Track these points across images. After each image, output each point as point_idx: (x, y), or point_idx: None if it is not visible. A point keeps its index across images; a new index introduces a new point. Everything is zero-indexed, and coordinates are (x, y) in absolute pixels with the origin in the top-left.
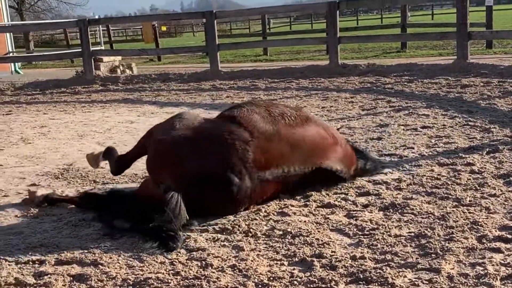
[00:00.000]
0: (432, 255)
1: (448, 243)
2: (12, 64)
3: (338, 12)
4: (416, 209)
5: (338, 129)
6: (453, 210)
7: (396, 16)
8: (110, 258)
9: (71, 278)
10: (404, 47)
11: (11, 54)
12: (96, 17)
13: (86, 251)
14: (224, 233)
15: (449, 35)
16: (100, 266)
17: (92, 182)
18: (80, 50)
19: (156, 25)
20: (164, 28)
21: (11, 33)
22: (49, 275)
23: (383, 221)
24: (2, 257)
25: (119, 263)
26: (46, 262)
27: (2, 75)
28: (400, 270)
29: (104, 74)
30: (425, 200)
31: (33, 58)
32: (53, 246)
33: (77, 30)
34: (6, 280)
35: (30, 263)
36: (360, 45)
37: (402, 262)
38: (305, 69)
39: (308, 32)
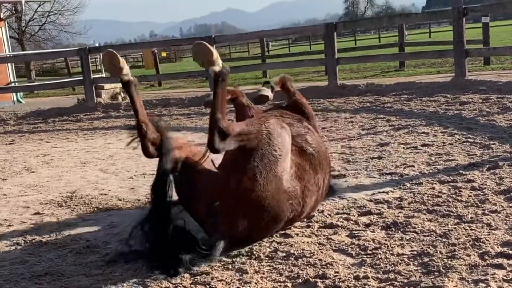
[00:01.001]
0: (435, 273)
1: (451, 260)
2: (14, 93)
3: (335, 33)
4: (418, 227)
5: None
6: (454, 227)
7: (394, 35)
8: (115, 285)
9: None
10: (403, 66)
11: (12, 84)
12: (97, 44)
13: (91, 279)
14: (228, 256)
15: (447, 53)
16: None
17: (96, 209)
18: (81, 78)
19: (156, 51)
20: (164, 54)
21: (13, 63)
22: None
23: (386, 240)
24: (7, 287)
25: None
26: None
27: (4, 105)
28: None
29: (105, 101)
30: (426, 218)
31: (35, 88)
32: (58, 275)
33: (78, 59)
34: None
35: None
36: (359, 65)
37: (406, 281)
38: (304, 90)
39: (306, 53)
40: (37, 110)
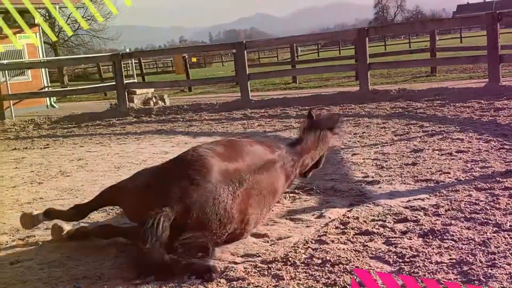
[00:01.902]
0: (475, 282)
1: (491, 269)
2: (48, 98)
3: (367, 39)
4: (456, 235)
5: None
6: (494, 236)
7: (424, 40)
8: None
9: None
10: (434, 71)
11: (46, 89)
12: (127, 50)
13: (128, 283)
14: (263, 262)
15: (481, 59)
16: None
17: None
18: (113, 83)
19: (186, 56)
20: (194, 59)
21: (47, 68)
22: None
23: (423, 247)
24: None
25: None
26: None
27: (38, 109)
28: None
29: (137, 106)
30: (464, 226)
31: (68, 93)
32: (96, 278)
33: (110, 64)
34: None
35: None
36: (389, 70)
37: None
38: (335, 96)
39: (336, 58)
40: (70, 115)
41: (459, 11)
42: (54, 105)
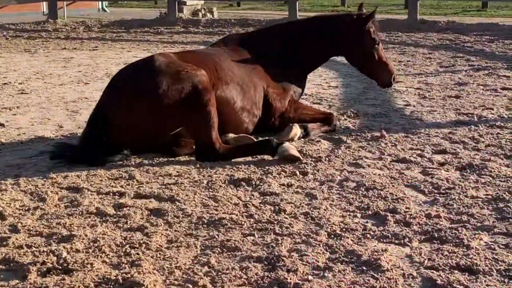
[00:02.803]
0: (510, 219)
1: None
2: (100, 1)
3: None
4: (494, 171)
5: None
6: None
7: None
8: (187, 195)
9: (149, 212)
10: (485, 6)
11: None
12: None
13: (163, 186)
14: (298, 179)
15: None
16: (176, 202)
17: None
18: None
19: None
20: None
21: None
22: (128, 208)
23: (460, 181)
24: (85, 186)
25: (195, 201)
26: (126, 195)
27: (90, 12)
28: (476, 232)
29: (186, 16)
30: (503, 163)
31: None
32: (133, 179)
33: None
34: (87, 209)
35: (111, 194)
36: (440, 1)
37: (479, 224)
38: (383, 23)
39: None
40: (121, 20)
41: None
42: (106, 9)
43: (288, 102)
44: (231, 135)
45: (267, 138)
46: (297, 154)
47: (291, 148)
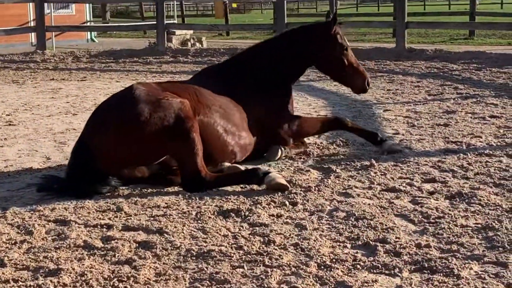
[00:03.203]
0: (500, 248)
1: None
2: (88, 32)
3: None
4: (483, 199)
5: None
6: None
7: (464, 3)
8: (175, 227)
9: (137, 245)
10: (472, 34)
11: (88, 23)
12: None
13: (152, 218)
14: (287, 210)
15: None
16: (165, 234)
17: None
18: (154, 22)
19: (227, 2)
20: (234, 5)
21: (91, 4)
22: (116, 240)
23: (449, 210)
24: (72, 219)
25: (183, 233)
26: (114, 227)
27: (79, 43)
28: (466, 261)
29: (175, 46)
30: (492, 192)
31: (109, 29)
32: (121, 211)
33: (152, 3)
34: (75, 242)
35: (99, 227)
36: (427, 30)
37: (469, 253)
38: (371, 51)
39: (374, 15)
40: (110, 50)
41: None
42: (94, 39)
43: (284, 119)
44: (227, 164)
45: (254, 167)
46: (284, 182)
47: (278, 177)
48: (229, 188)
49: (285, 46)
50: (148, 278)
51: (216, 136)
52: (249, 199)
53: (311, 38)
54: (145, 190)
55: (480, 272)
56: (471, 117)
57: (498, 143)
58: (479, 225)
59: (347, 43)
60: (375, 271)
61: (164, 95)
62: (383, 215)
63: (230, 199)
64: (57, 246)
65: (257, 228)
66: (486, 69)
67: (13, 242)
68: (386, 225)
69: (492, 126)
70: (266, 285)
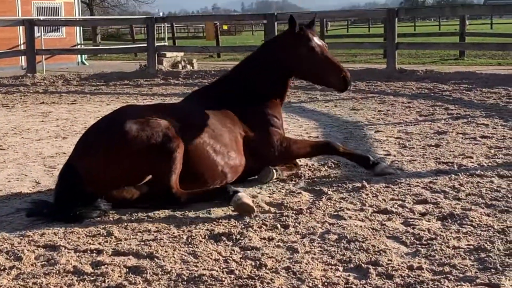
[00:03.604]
0: (492, 270)
1: (509, 258)
2: (79, 55)
3: (396, 19)
4: (475, 220)
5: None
6: None
7: (454, 24)
8: (166, 252)
9: (127, 270)
10: (463, 55)
11: (79, 46)
12: (161, 14)
13: (142, 243)
14: (279, 233)
15: (510, 46)
16: (155, 259)
17: None
18: (145, 45)
19: (218, 24)
20: (225, 27)
21: (81, 27)
22: (106, 265)
23: (441, 231)
24: (62, 244)
25: (174, 257)
26: (104, 252)
27: (69, 66)
28: (459, 283)
29: (166, 68)
30: (484, 212)
31: (100, 51)
32: (111, 236)
33: (143, 26)
34: (64, 267)
35: (89, 252)
36: (418, 50)
37: (461, 275)
38: (362, 72)
39: (365, 36)
40: (100, 73)
41: None
42: (85, 62)
43: (276, 139)
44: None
45: (225, 185)
46: (251, 204)
47: (246, 197)
48: (220, 211)
49: (259, 59)
50: None
51: (205, 156)
52: (240, 222)
53: (279, 45)
54: (135, 214)
55: None
56: (462, 138)
57: (489, 164)
58: (471, 246)
59: (318, 43)
60: None
61: (151, 116)
62: (375, 237)
63: (221, 222)
64: (47, 272)
65: (248, 251)
66: (477, 90)
67: (1, 268)
68: (378, 247)
69: (483, 146)
70: None
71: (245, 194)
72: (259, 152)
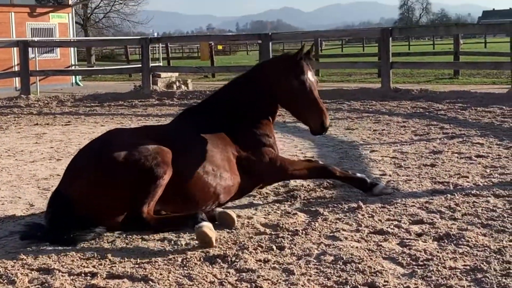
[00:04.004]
0: None
1: (505, 279)
2: (73, 76)
3: (390, 38)
4: (471, 241)
5: None
6: (510, 244)
7: (448, 42)
8: (161, 274)
9: None
10: (457, 74)
11: (73, 67)
12: (155, 34)
13: (137, 265)
14: (274, 254)
15: (504, 65)
16: (150, 282)
17: None
18: (139, 65)
19: (212, 44)
20: (220, 47)
21: (76, 48)
22: None
23: (438, 251)
24: (56, 267)
25: (169, 280)
26: (98, 275)
27: (63, 86)
28: None
29: (160, 89)
30: (480, 232)
31: (94, 72)
32: (105, 259)
33: (138, 46)
34: None
35: (83, 275)
36: (412, 70)
37: None
38: (356, 92)
39: (359, 55)
40: (94, 94)
41: (485, 17)
42: (79, 83)
43: (268, 158)
44: (218, 209)
45: (195, 211)
46: (210, 235)
47: (208, 227)
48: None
49: (250, 79)
50: None
51: (196, 177)
52: (235, 244)
53: (271, 69)
54: (130, 236)
55: None
56: (457, 157)
57: (485, 183)
58: (468, 267)
59: (311, 79)
60: None
61: (140, 139)
62: (371, 258)
63: (216, 244)
64: None
65: (244, 274)
66: (472, 109)
67: None
68: (374, 268)
69: (479, 166)
70: None
71: (209, 224)
72: (253, 171)
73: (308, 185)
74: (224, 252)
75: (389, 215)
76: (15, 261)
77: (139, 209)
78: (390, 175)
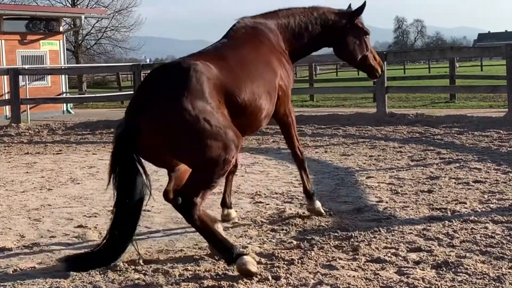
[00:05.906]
0: None
1: None
2: (64, 103)
3: (385, 62)
4: (470, 268)
5: None
6: (509, 271)
7: (444, 66)
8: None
9: None
10: (453, 97)
11: (64, 95)
12: (148, 60)
13: None
14: (270, 284)
15: (500, 88)
16: None
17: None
18: (132, 92)
19: None
20: None
21: (67, 75)
22: None
23: (436, 280)
24: None
25: None
26: None
27: (54, 114)
28: None
29: None
30: (479, 260)
31: (86, 100)
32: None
33: (130, 72)
34: None
35: None
36: (408, 94)
37: None
38: (352, 117)
39: (354, 79)
40: (86, 121)
41: (480, 40)
42: (71, 111)
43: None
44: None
45: (234, 245)
46: (254, 269)
47: (251, 263)
48: (209, 262)
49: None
50: None
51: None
52: (230, 273)
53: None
54: (121, 266)
55: None
56: (455, 183)
57: (483, 209)
58: None
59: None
60: None
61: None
62: None
63: (210, 273)
64: None
65: None
66: (468, 133)
67: None
68: None
69: (477, 191)
70: None
71: (250, 259)
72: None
73: (304, 212)
74: (219, 282)
75: (386, 242)
76: None
77: (192, 199)
78: (386, 202)
